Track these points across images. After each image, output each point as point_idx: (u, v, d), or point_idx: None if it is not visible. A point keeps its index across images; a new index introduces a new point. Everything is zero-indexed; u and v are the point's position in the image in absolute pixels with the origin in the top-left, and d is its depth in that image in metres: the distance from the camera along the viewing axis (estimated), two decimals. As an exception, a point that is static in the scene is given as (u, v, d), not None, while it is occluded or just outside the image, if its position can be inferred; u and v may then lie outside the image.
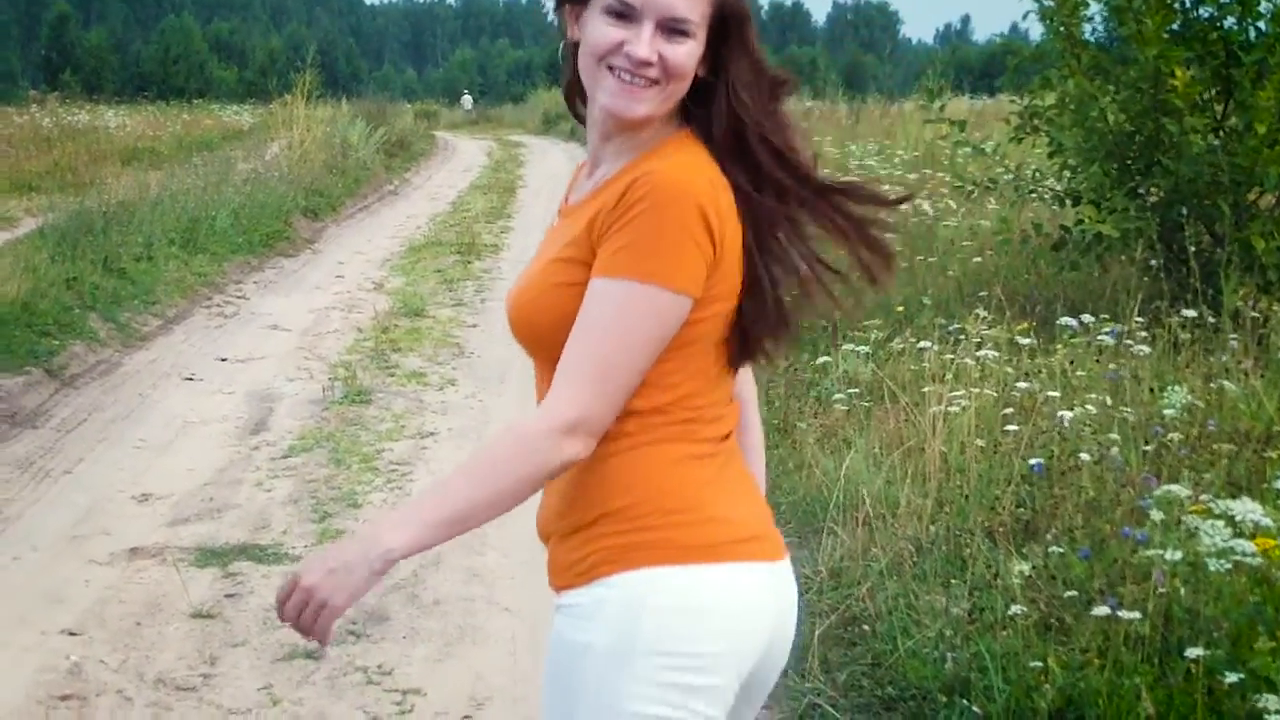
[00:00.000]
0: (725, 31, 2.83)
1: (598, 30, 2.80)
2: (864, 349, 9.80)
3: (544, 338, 2.81)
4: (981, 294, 11.73)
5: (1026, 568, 5.76)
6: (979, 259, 12.94)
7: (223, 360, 13.24)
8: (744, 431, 3.07)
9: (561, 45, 3.01)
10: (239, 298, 16.86)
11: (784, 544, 2.95)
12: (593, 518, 2.80)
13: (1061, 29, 11.10)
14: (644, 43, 2.75)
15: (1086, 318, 9.41)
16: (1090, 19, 11.35)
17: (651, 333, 2.66)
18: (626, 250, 2.65)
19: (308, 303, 16.33)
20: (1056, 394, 7.67)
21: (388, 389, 11.92)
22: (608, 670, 2.71)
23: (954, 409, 7.74)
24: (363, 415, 11.07)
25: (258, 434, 10.66)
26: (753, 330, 2.84)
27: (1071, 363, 8.74)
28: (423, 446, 10.21)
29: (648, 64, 2.76)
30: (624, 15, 2.77)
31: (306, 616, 2.59)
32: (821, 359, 10.03)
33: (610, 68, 2.80)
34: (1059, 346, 9.12)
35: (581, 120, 3.03)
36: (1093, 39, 11.55)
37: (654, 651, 2.68)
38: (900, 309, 11.35)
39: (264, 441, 10.43)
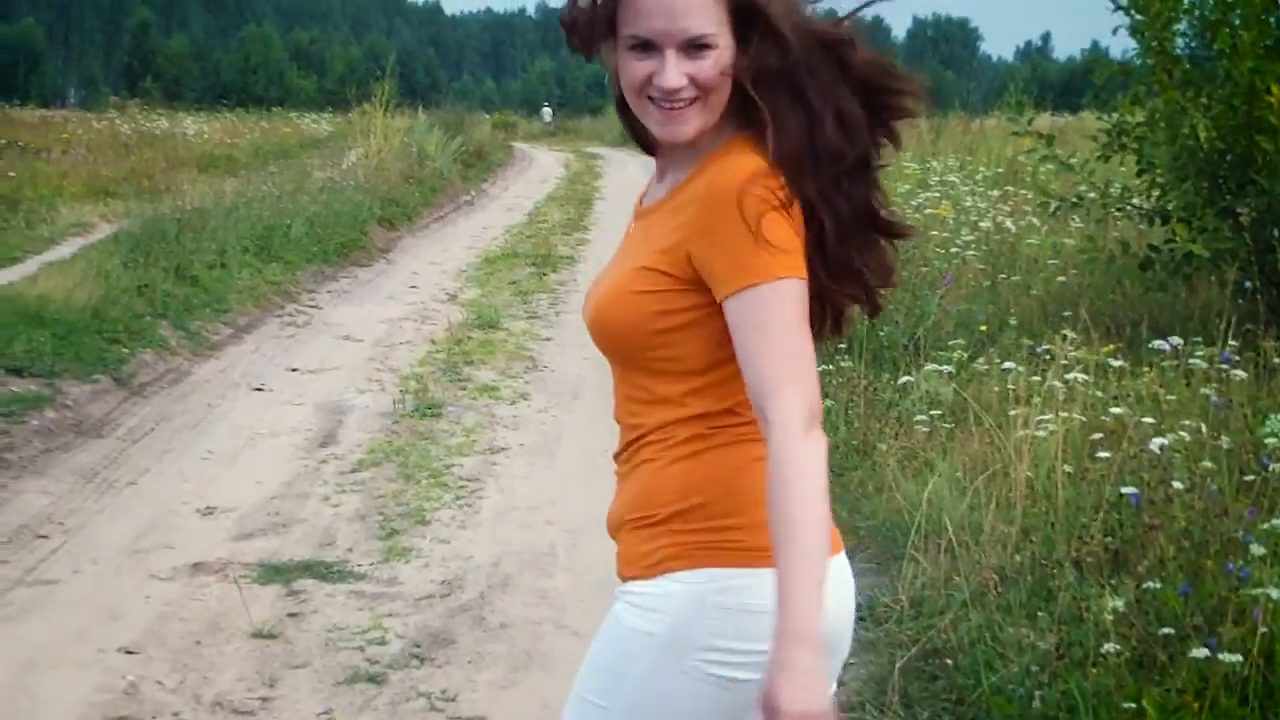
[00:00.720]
0: (749, 24, 2.82)
1: (628, 67, 2.84)
2: (947, 369, 9.53)
3: (622, 342, 2.91)
4: (1066, 313, 11.45)
5: (1120, 604, 5.49)
6: (1063, 278, 12.65)
7: (293, 370, 13.09)
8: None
9: (608, 74, 3.01)
10: (312, 307, 16.72)
11: (839, 537, 3.00)
12: (666, 515, 2.87)
13: (1153, 43, 10.81)
14: (670, 71, 2.79)
15: (1176, 340, 9.12)
16: (1183, 33, 11.06)
17: (799, 318, 2.68)
18: (734, 261, 2.69)
19: (381, 313, 16.17)
20: (1149, 420, 7.37)
21: (459, 402, 11.74)
22: (663, 660, 2.83)
23: (1040, 433, 7.46)
24: (433, 429, 10.88)
25: (326, 447, 10.48)
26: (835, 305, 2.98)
27: (1161, 386, 8.47)
28: (493, 462, 10.01)
29: (679, 90, 2.80)
30: (647, 47, 2.80)
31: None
32: (903, 379, 9.76)
33: (650, 98, 2.84)
34: (1146, 369, 8.85)
35: (634, 137, 3.10)
36: (1184, 50, 11.25)
37: (710, 648, 2.78)
38: (983, 328, 11.09)
39: (332, 455, 10.25)
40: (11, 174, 26.88)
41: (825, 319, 2.99)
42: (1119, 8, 10.91)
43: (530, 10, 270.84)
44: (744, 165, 2.74)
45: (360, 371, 12.98)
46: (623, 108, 2.99)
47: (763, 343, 2.65)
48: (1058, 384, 8.00)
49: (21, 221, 21.69)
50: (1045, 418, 7.56)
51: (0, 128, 39.19)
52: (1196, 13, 10.91)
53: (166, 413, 11.42)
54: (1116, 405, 7.99)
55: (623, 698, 2.89)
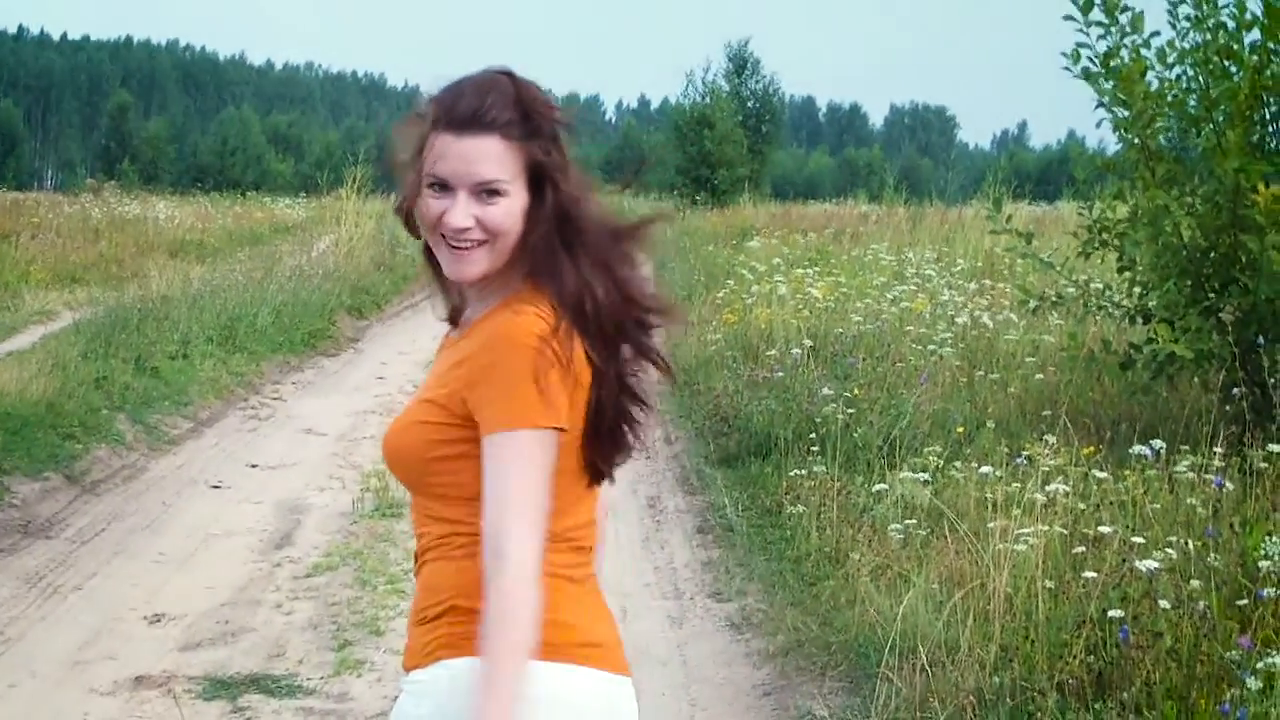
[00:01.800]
0: (541, 183, 3.06)
1: (426, 205, 3.06)
2: (923, 476, 9.22)
3: (406, 467, 3.13)
4: (1045, 413, 11.24)
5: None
6: (1041, 375, 12.39)
7: (253, 467, 12.76)
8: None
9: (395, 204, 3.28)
10: (275, 399, 16.38)
11: (627, 663, 3.17)
12: (441, 610, 3.06)
13: (1135, 139, 10.58)
14: (459, 211, 3.01)
15: (1158, 443, 8.83)
16: (1166, 129, 10.83)
17: (548, 466, 2.93)
18: (498, 404, 2.92)
19: (346, 405, 15.86)
20: (1136, 537, 7.06)
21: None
22: None
23: (1020, 546, 7.15)
24: (393, 530, 10.54)
25: (282, 549, 10.15)
26: (602, 455, 3.12)
27: (1145, 494, 8.18)
28: (454, 567, 9.68)
29: (466, 229, 3.02)
30: (444, 188, 3.03)
31: None
32: (877, 486, 9.45)
33: (443, 236, 3.05)
34: (1128, 473, 8.57)
35: (435, 280, 3.28)
36: (1167, 146, 11.01)
37: None
38: (960, 429, 10.80)
39: (288, 558, 9.92)
40: (-25, 260, 26.56)
41: (607, 442, 3.13)
42: (1100, 104, 10.69)
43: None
44: (525, 318, 2.96)
45: (322, 468, 12.65)
46: (429, 251, 3.19)
47: (507, 485, 2.89)
48: (1039, 496, 7.68)
49: (-17, 310, 21.38)
50: (1025, 531, 7.24)
51: (-30, 212, 38.84)
52: (1180, 109, 10.68)
53: (119, 511, 11.07)
54: (1099, 515, 7.72)
55: None
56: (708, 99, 65.33)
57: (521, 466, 2.90)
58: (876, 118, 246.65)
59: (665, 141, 72.26)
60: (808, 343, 14.16)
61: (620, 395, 3.10)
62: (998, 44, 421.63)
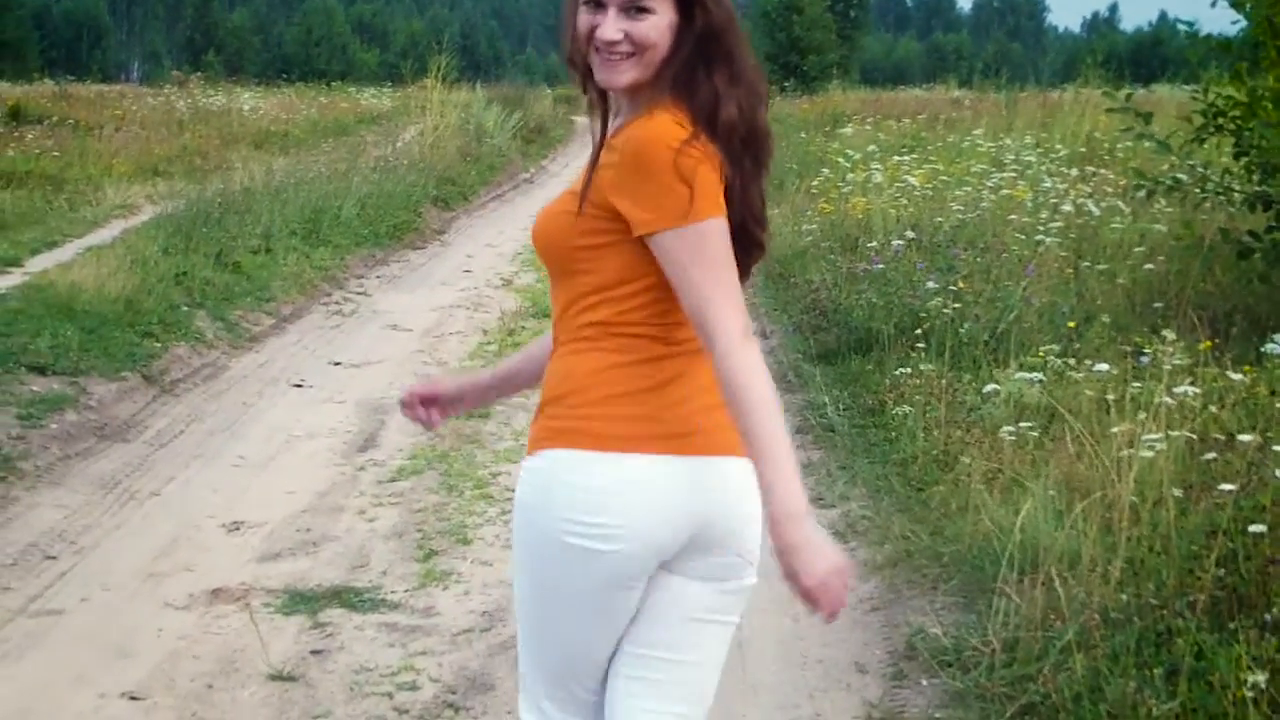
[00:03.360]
0: (690, 4, 3.29)
1: (580, 19, 3.35)
2: (1036, 376, 8.72)
3: (551, 252, 3.43)
4: (1156, 304, 10.76)
5: (1261, 679, 4.73)
6: (1150, 265, 11.87)
7: (336, 364, 12.43)
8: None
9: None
10: (360, 294, 16.05)
11: (728, 443, 3.27)
12: (543, 402, 3.41)
13: (1266, 17, 10.00)
14: (610, 25, 3.28)
15: (1280, 336, 8.39)
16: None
17: (724, 252, 3.19)
18: (653, 205, 3.18)
19: (431, 300, 15.51)
20: (1272, 442, 6.58)
21: (509, 401, 11.01)
22: (530, 523, 3.39)
23: (1146, 452, 6.68)
24: (480, 431, 10.18)
25: (365, 451, 9.81)
26: (740, 252, 3.29)
27: (1273, 392, 7.71)
28: (543, 470, 9.30)
29: (615, 42, 3.28)
30: (597, 4, 3.31)
31: (837, 596, 3.14)
32: (987, 386, 8.95)
33: (596, 49, 3.32)
34: (1249, 369, 8.11)
35: (581, 88, 3.50)
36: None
37: (560, 517, 3.27)
38: (1071, 324, 10.31)
39: (371, 461, 9.57)
40: (56, 153, 26.28)
41: (741, 241, 3.31)
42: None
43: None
44: (661, 123, 3.22)
45: (407, 365, 12.31)
46: (571, 62, 3.47)
47: (690, 279, 3.17)
48: (1167, 399, 7.19)
49: (65, 203, 21.08)
50: (1152, 436, 6.76)
51: (55, 104, 38.65)
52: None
53: (198, 413, 10.76)
54: (1230, 417, 7.25)
55: (518, 564, 3.49)
56: (796, -17, 64.50)
57: (697, 258, 3.17)
58: (965, 3, 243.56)
59: (753, 28, 71.52)
60: (909, 234, 13.66)
61: (745, 205, 3.34)
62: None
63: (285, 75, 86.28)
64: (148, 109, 38.88)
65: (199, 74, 58.75)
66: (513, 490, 8.57)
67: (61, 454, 9.39)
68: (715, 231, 3.18)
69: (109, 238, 17.14)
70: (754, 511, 3.29)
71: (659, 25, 3.28)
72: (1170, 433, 6.79)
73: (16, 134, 29.25)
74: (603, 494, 3.24)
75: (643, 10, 3.27)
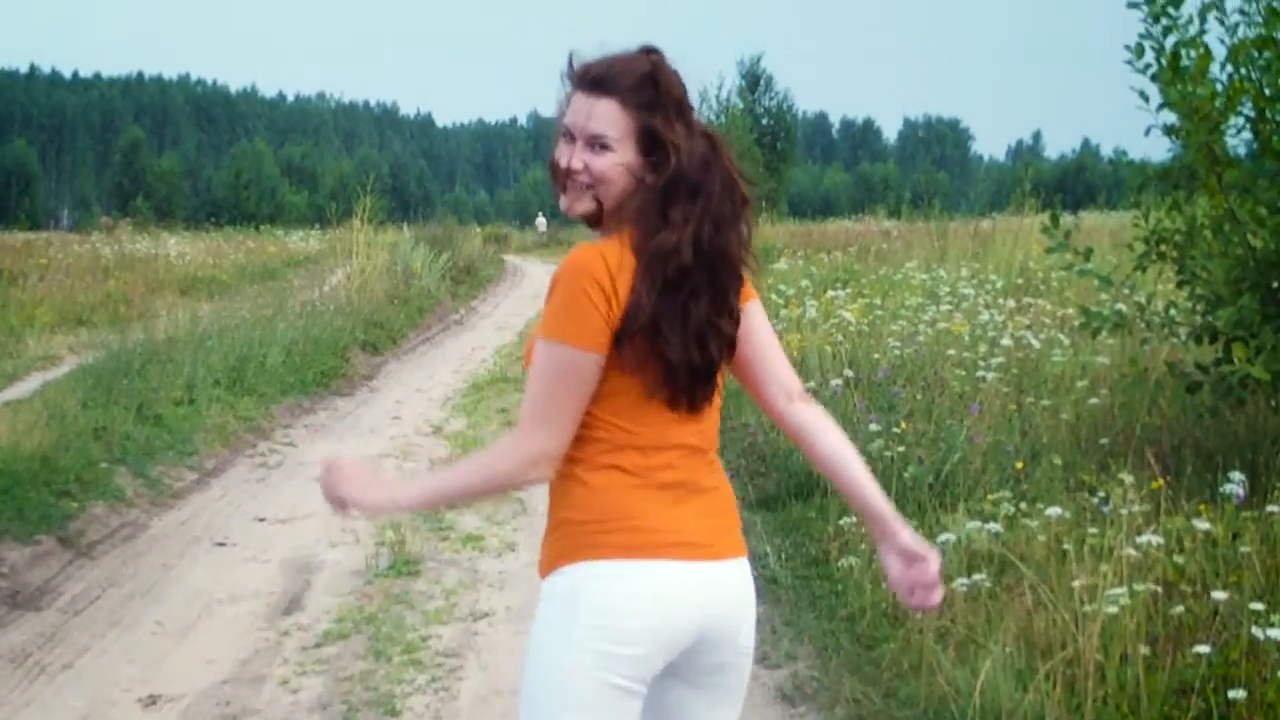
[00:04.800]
0: (652, 144, 3.58)
1: (556, 148, 3.68)
2: (992, 527, 8.36)
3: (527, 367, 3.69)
4: (1102, 440, 10.48)
5: None
6: (1095, 400, 11.60)
7: (261, 520, 12.01)
8: (819, 445, 3.95)
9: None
10: (286, 444, 15.63)
11: (727, 549, 3.70)
12: (554, 524, 3.69)
13: (1199, 146, 9.77)
14: (573, 156, 3.61)
15: (1238, 475, 8.10)
16: (1234, 131, 10.04)
17: (569, 379, 3.50)
18: (545, 316, 3.55)
19: (360, 449, 15.11)
20: (1244, 598, 6.26)
21: (439, 556, 10.66)
22: (555, 637, 3.54)
23: (1111, 608, 6.34)
24: (410, 590, 9.78)
25: (290, 614, 9.38)
26: (669, 384, 3.59)
27: (1235, 536, 7.42)
28: (474, 632, 8.89)
29: (575, 172, 3.61)
30: (570, 137, 3.63)
31: (334, 500, 3.70)
32: (941, 536, 8.59)
33: (562, 175, 3.66)
34: (1203, 507, 7.82)
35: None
36: (1235, 154, 10.22)
37: (587, 625, 3.48)
38: (1019, 465, 10.01)
39: (296, 625, 9.14)
40: (-26, 304, 25.93)
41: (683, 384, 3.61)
42: (1163, 105, 9.92)
43: (522, 119, 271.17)
44: (577, 251, 3.55)
45: (333, 520, 11.86)
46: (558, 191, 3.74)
47: (531, 384, 3.57)
48: (1129, 551, 6.86)
49: (-16, 356, 20.66)
50: (1116, 590, 6.44)
51: (-21, 253, 38.30)
52: (1250, 111, 9.89)
53: (116, 576, 10.31)
54: (1190, 563, 6.94)
55: (533, 682, 3.60)
56: (722, 117, 64.67)
57: (537, 370, 3.54)
58: (890, 132, 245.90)
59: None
60: (847, 372, 13.37)
61: (688, 340, 3.55)
62: (1008, 52, 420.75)
63: (214, 219, 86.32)
64: (73, 256, 38.55)
65: (128, 219, 58.65)
66: (443, 655, 8.25)
67: (-31, 627, 8.96)
68: (557, 354, 3.50)
69: (28, 391, 16.76)
70: (750, 611, 3.78)
71: (616, 163, 3.58)
72: (1134, 586, 6.47)
73: (-63, 285, 28.78)
74: (626, 598, 3.51)
75: (604, 147, 3.58)
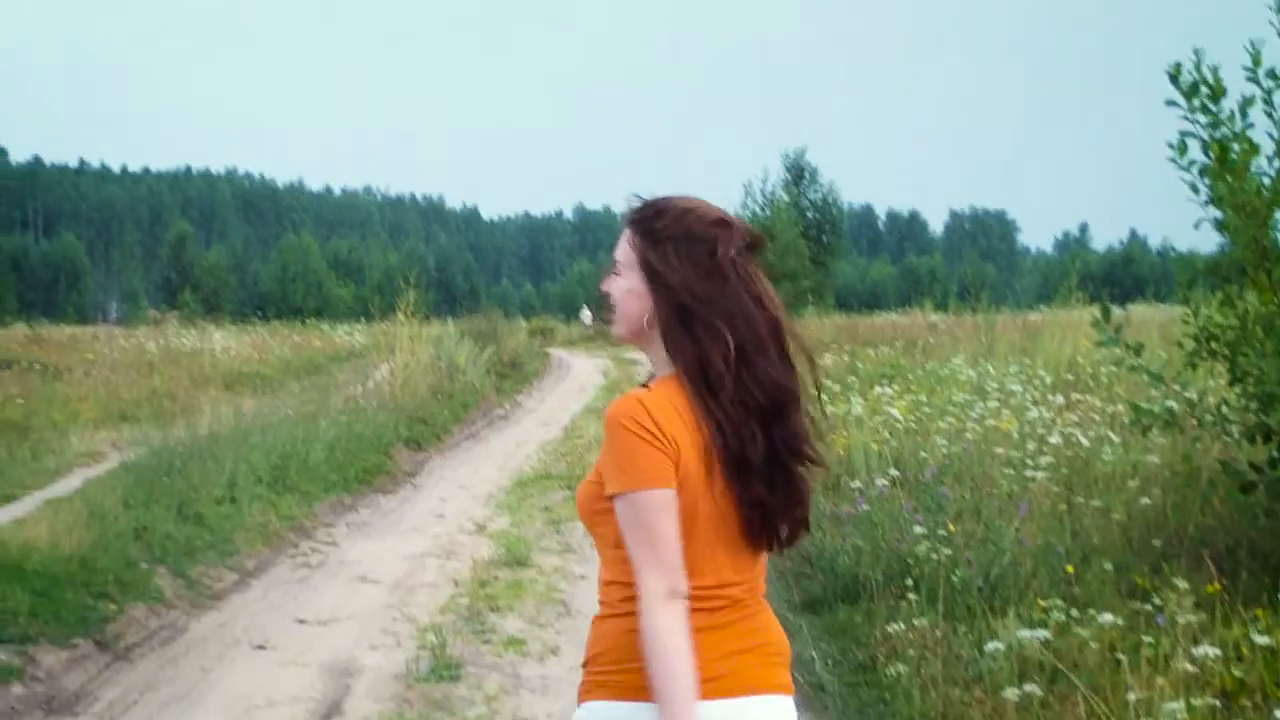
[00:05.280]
0: (654, 275, 3.75)
1: None
2: (1041, 634, 8.18)
3: (581, 515, 3.89)
4: (1155, 541, 10.30)
5: None
6: (1146, 499, 11.43)
7: (301, 622, 11.86)
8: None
9: None
10: (328, 543, 15.49)
11: (753, 684, 3.72)
12: (585, 660, 3.84)
13: (1248, 240, 9.64)
14: (605, 281, 3.88)
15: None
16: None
17: (657, 519, 3.55)
18: (609, 474, 3.63)
19: (403, 548, 14.97)
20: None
21: (481, 660, 10.49)
22: None
23: (1168, 724, 6.17)
24: (450, 696, 9.62)
25: (328, 722, 9.23)
26: (751, 519, 3.71)
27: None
28: (516, 740, 8.73)
29: (605, 295, 3.86)
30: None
31: None
32: (989, 644, 8.40)
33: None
34: (1260, 613, 7.64)
35: None
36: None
37: None
38: (1070, 568, 9.83)
39: (334, 733, 9.00)
40: (21, 400, 25.93)
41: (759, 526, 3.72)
42: (1210, 201, 9.78)
43: (568, 213, 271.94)
44: (622, 402, 3.67)
45: (375, 622, 11.76)
46: None
47: (634, 536, 3.57)
48: (1187, 666, 6.68)
49: (28, 452, 20.61)
50: (1173, 705, 6.25)
51: (25, 347, 38.48)
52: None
53: (153, 680, 10.18)
54: (1250, 675, 6.75)
55: None
56: (767, 210, 64.73)
57: (630, 524, 3.58)
58: (936, 224, 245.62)
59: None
60: (893, 471, 13.21)
61: (748, 469, 3.64)
62: (1054, 144, 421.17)
63: (261, 312, 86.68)
64: (119, 351, 38.70)
65: (176, 312, 58.99)
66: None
67: (3, 733, 8.84)
68: (650, 501, 3.55)
69: (70, 488, 16.71)
70: None
71: (623, 288, 3.80)
72: (1192, 700, 6.29)
73: (-18, 381, 28.81)
74: None
75: (616, 273, 3.83)
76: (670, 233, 3.76)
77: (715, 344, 3.65)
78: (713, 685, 3.59)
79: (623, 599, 3.68)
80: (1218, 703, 6.50)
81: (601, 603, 3.82)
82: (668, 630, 3.48)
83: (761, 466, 3.65)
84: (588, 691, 3.77)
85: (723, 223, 3.79)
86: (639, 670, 3.55)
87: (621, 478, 3.58)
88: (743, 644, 3.71)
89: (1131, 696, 6.57)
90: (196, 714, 9.44)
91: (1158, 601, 8.20)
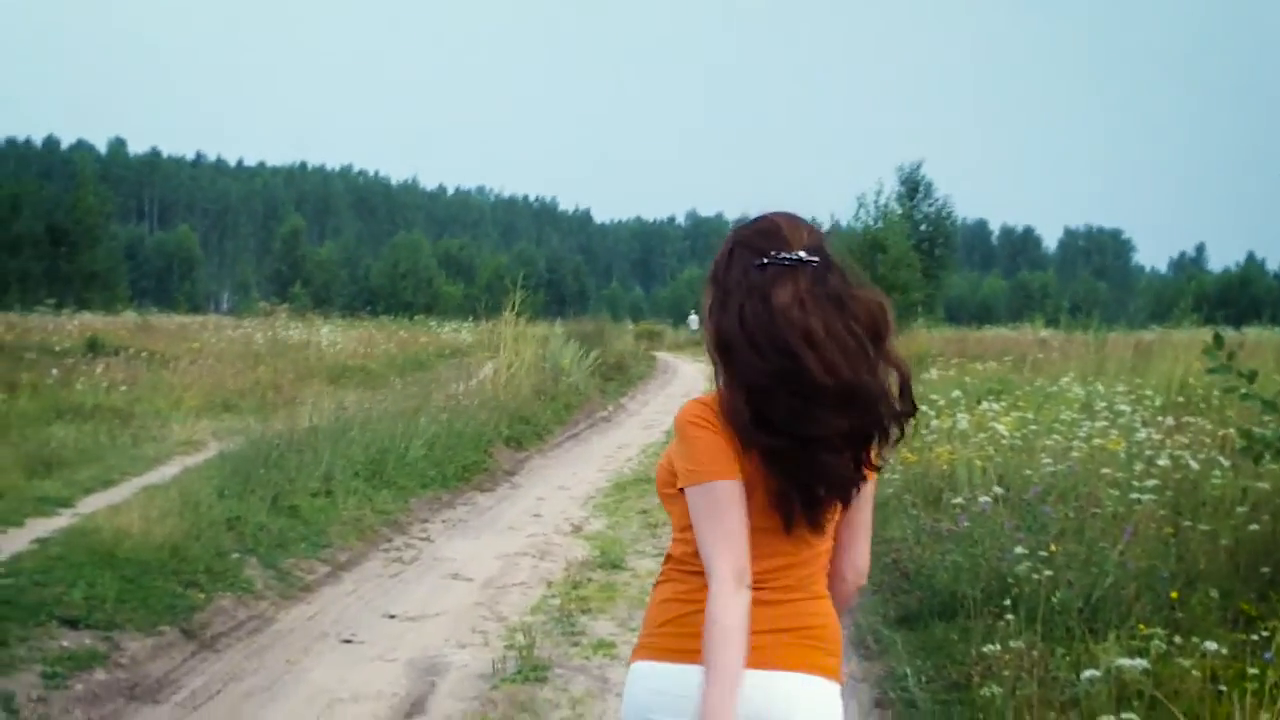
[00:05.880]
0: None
1: None
2: (1140, 663, 7.93)
3: (658, 492, 4.18)
4: (1263, 569, 10.03)
5: None
6: (1255, 525, 11.14)
7: (390, 618, 11.76)
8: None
9: None
10: (422, 539, 15.40)
11: (784, 661, 3.88)
12: (643, 620, 4.16)
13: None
14: None
15: None
16: None
17: (724, 508, 3.78)
18: (680, 469, 3.90)
19: (497, 546, 14.86)
20: None
21: (569, 662, 10.34)
22: None
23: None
24: (535, 698, 9.47)
25: (412, 719, 9.09)
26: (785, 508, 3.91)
27: None
28: (600, 749, 8.57)
29: None
30: None
31: None
32: (1086, 672, 8.16)
33: None
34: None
35: None
36: None
37: (632, 716, 3.99)
38: (1175, 595, 9.57)
39: (415, 732, 8.86)
40: (125, 386, 26.01)
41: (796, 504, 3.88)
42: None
43: (680, 219, 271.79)
44: (687, 405, 3.95)
45: (465, 620, 11.64)
46: None
47: (707, 524, 3.78)
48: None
49: (129, 439, 20.64)
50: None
51: (134, 335, 38.70)
52: None
53: (238, 671, 10.09)
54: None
55: None
56: (879, 222, 64.29)
57: (702, 512, 3.80)
58: (1050, 240, 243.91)
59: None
60: (996, 489, 12.94)
61: (779, 469, 3.83)
62: (1172, 164, 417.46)
63: (370, 308, 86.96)
64: (226, 341, 38.82)
65: (286, 305, 59.27)
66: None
67: (85, 718, 8.75)
68: (714, 492, 3.78)
69: (168, 476, 16.70)
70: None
71: (704, 312, 4.01)
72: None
73: (90, 366, 28.83)
74: (657, 695, 3.91)
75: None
76: (711, 272, 4.06)
77: (740, 385, 3.87)
78: (748, 656, 3.73)
79: (670, 569, 4.05)
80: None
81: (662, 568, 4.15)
82: (733, 614, 3.67)
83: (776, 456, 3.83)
84: (634, 653, 4.07)
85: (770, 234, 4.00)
86: (675, 633, 3.91)
87: (691, 471, 3.82)
88: (787, 624, 3.90)
89: (1234, 729, 6.34)
90: (279, 706, 9.35)
91: (1265, 632, 7.94)
